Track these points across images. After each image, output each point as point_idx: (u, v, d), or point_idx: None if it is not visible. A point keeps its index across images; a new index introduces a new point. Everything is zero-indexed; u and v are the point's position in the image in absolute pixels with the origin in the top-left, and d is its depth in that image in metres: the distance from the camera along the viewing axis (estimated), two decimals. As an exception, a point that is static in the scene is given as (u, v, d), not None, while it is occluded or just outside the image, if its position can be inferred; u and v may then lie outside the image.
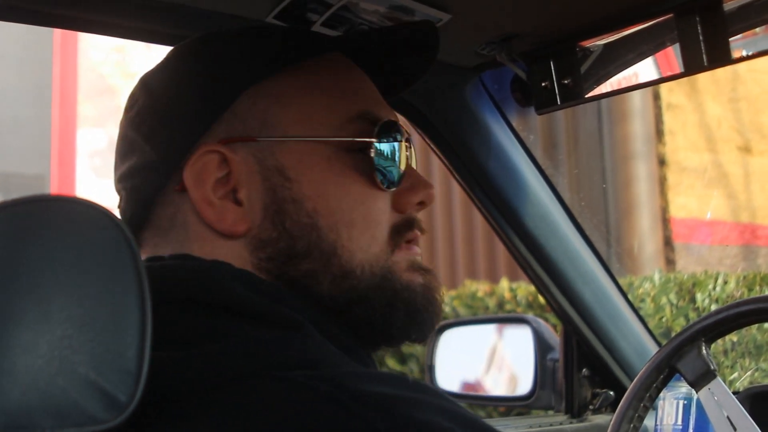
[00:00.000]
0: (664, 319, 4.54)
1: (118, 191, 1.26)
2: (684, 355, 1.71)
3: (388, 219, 1.24)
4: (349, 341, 1.15)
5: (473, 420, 1.03)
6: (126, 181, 1.23)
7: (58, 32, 8.85)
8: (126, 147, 1.24)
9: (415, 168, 1.30)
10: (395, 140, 1.25)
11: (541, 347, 2.36)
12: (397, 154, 1.25)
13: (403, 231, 1.26)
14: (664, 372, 1.74)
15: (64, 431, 0.81)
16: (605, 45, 1.62)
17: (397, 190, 1.25)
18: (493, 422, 2.38)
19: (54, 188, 9.16)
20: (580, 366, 2.29)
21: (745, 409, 1.65)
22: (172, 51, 1.29)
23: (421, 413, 0.99)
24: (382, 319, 1.21)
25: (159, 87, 1.24)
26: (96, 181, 8.96)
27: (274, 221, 1.19)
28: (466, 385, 2.71)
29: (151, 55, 7.88)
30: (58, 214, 0.86)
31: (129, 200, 1.23)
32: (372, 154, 1.22)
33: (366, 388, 0.99)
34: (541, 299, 4.82)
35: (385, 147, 1.24)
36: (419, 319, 1.25)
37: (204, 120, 1.20)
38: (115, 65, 9.01)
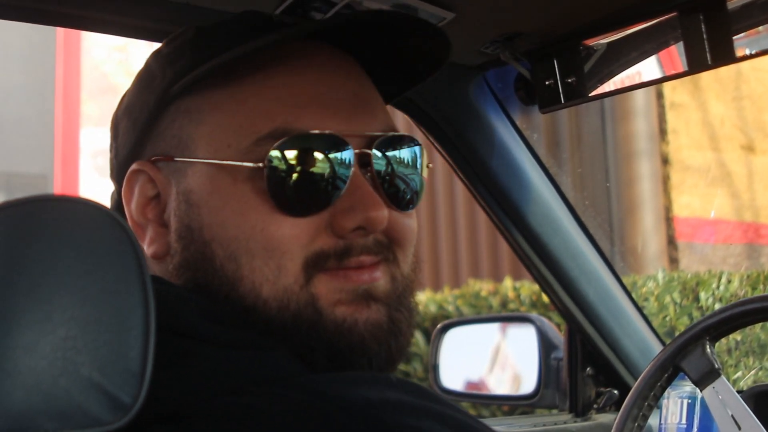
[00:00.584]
0: (667, 318, 4.54)
1: None
2: (688, 354, 1.71)
3: (303, 246, 1.11)
4: (319, 358, 1.09)
5: (464, 423, 0.98)
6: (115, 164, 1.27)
7: (60, 31, 8.86)
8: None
9: (368, 185, 1.14)
10: (314, 156, 1.12)
11: (545, 346, 2.35)
12: (311, 173, 1.11)
13: (333, 258, 1.12)
14: (668, 371, 1.74)
15: (67, 432, 0.81)
16: (609, 44, 1.62)
17: (333, 212, 1.12)
18: (497, 421, 2.38)
19: (57, 188, 9.17)
20: (584, 365, 2.29)
21: (749, 407, 1.65)
22: None
23: (411, 419, 0.95)
24: (304, 360, 1.10)
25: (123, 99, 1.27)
26: (99, 181, 8.96)
27: (182, 247, 1.14)
28: (470, 384, 2.71)
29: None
30: (61, 215, 0.86)
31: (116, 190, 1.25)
32: (273, 176, 1.11)
33: (349, 395, 0.95)
34: (544, 298, 4.82)
35: (296, 166, 1.11)
36: (351, 359, 1.11)
37: (133, 138, 1.19)
38: (118, 64, 9.02)
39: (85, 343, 0.82)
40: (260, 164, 1.10)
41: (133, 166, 1.16)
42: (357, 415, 0.93)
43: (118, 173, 1.22)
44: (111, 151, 1.24)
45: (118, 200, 1.21)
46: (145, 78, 1.20)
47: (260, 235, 1.10)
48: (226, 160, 1.11)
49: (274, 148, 1.10)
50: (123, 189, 1.17)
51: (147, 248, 1.15)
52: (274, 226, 1.10)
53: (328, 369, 1.10)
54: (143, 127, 1.17)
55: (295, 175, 1.10)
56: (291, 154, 1.10)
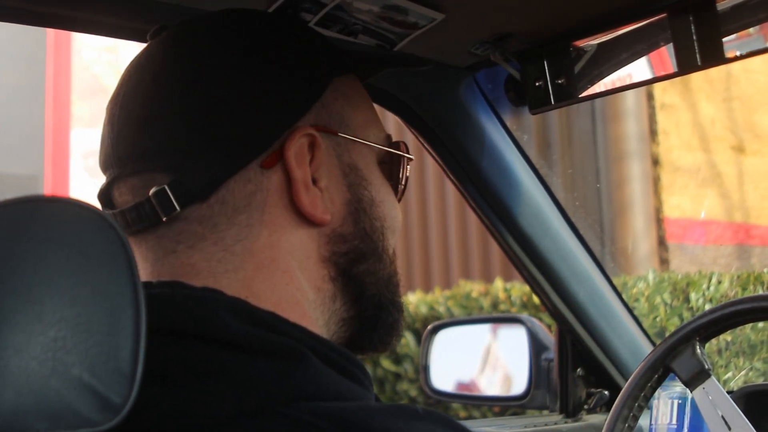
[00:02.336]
0: (658, 319, 4.54)
1: (154, 161, 1.14)
2: (678, 355, 1.71)
3: None
4: (349, 365, 1.09)
5: None
6: (180, 152, 1.12)
7: (51, 32, 8.85)
8: (169, 116, 1.14)
9: None
10: (410, 159, 1.31)
11: (536, 347, 2.36)
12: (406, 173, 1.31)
13: None
14: (658, 371, 1.74)
15: (57, 433, 0.81)
16: (599, 45, 1.62)
17: None
18: (488, 422, 2.38)
19: (47, 189, 9.16)
20: (575, 366, 2.29)
21: (739, 408, 1.65)
22: (217, 21, 1.24)
23: None
24: (393, 324, 1.25)
25: (234, 58, 1.17)
26: (90, 182, 8.96)
27: (355, 218, 1.19)
28: (461, 385, 2.71)
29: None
30: (52, 215, 0.86)
31: (189, 172, 1.12)
32: (405, 170, 1.29)
33: (376, 426, 0.97)
34: (535, 299, 4.83)
35: (407, 165, 1.30)
36: (403, 325, 1.29)
37: (304, 102, 1.18)
38: (108, 65, 9.02)
39: (75, 343, 0.82)
40: (406, 155, 1.29)
41: (304, 130, 1.15)
42: None
43: (239, 143, 1.14)
44: (184, 128, 1.13)
45: (193, 176, 1.12)
46: (285, 50, 1.21)
47: (398, 217, 1.27)
48: (382, 145, 1.26)
49: (395, 145, 1.28)
50: (289, 152, 1.14)
51: (311, 210, 1.15)
52: (398, 208, 1.28)
53: (398, 334, 1.25)
54: (308, 96, 1.18)
55: (406, 169, 1.30)
56: (402, 154, 1.29)
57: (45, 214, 0.86)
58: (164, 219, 1.11)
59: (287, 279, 1.13)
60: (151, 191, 1.11)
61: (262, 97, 1.15)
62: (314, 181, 1.16)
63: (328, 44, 1.26)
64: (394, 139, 1.30)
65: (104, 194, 1.19)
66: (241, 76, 1.15)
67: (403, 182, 1.29)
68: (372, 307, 1.21)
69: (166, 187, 1.11)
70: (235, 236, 1.12)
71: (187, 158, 1.12)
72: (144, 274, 1.14)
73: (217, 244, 1.12)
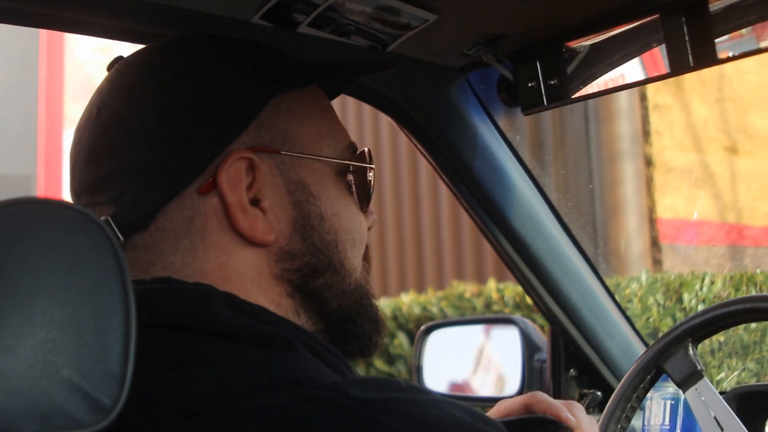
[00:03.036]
0: (651, 320, 4.55)
1: (98, 195, 1.16)
2: (671, 356, 1.71)
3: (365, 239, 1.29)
4: (335, 359, 1.12)
5: (476, 412, 1.05)
6: (118, 185, 1.14)
7: (44, 33, 8.83)
8: (108, 150, 1.17)
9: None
10: (371, 168, 1.32)
11: (529, 348, 2.35)
12: (371, 178, 1.31)
13: (367, 252, 1.31)
14: (651, 372, 1.74)
15: (47, 435, 0.81)
16: (591, 45, 1.62)
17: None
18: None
19: (40, 190, 9.15)
20: (568, 366, 2.29)
21: (732, 409, 1.65)
22: (157, 51, 1.25)
23: (434, 410, 1.01)
24: (365, 335, 1.26)
25: (164, 86, 1.18)
26: (82, 182, 8.94)
27: (302, 235, 1.19)
28: (454, 386, 2.71)
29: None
30: (43, 217, 0.86)
31: (127, 204, 1.14)
32: (368, 179, 1.29)
33: (374, 395, 1.00)
34: (528, 300, 4.83)
35: (368, 174, 1.30)
36: (382, 333, 1.30)
37: (235, 125, 1.17)
38: (101, 66, 9.02)
39: (65, 345, 0.82)
40: (365, 164, 1.29)
41: (238, 153, 1.15)
42: (385, 410, 0.98)
43: (173, 170, 1.14)
44: (125, 155, 1.16)
45: (133, 203, 1.14)
46: (230, 71, 1.21)
47: (359, 228, 1.26)
48: (334, 158, 1.25)
49: (358, 154, 1.28)
50: (222, 177, 1.14)
51: (251, 232, 1.15)
52: (361, 220, 1.27)
53: (377, 340, 1.27)
54: (240, 118, 1.17)
55: (368, 178, 1.29)
56: (365, 161, 1.29)
57: (35, 216, 0.86)
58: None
59: (244, 295, 1.13)
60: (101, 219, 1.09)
61: (191, 124, 1.15)
62: (257, 202, 1.17)
63: (275, 61, 1.25)
64: (364, 145, 1.31)
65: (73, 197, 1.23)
66: (170, 104, 1.16)
67: (364, 192, 1.29)
68: (337, 320, 1.23)
69: (109, 219, 1.13)
70: (182, 260, 1.14)
71: (123, 191, 1.14)
72: None
73: (167, 268, 1.14)
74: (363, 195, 1.28)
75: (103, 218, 1.11)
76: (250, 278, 1.16)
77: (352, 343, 1.25)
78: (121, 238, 1.12)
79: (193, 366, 1.02)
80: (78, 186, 1.19)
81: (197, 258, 1.14)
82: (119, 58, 1.27)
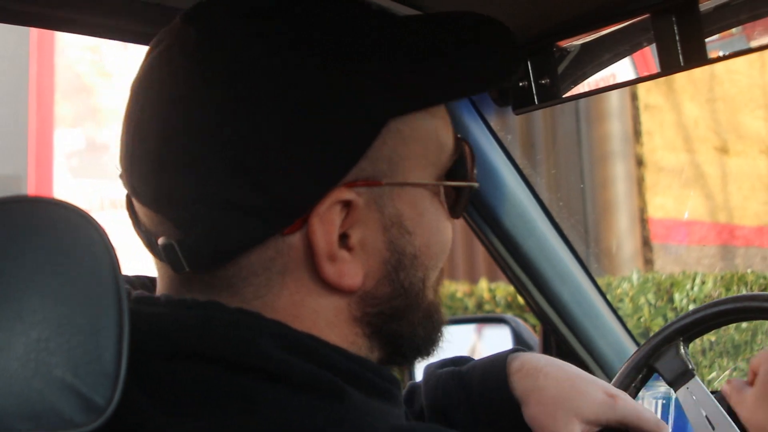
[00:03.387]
0: (642, 319, 4.56)
1: (165, 207, 0.99)
2: (662, 355, 1.71)
3: None
4: (385, 384, 1.02)
5: None
6: (194, 209, 0.97)
7: (34, 31, 8.82)
8: (187, 161, 0.97)
9: None
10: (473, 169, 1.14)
11: (520, 347, 2.36)
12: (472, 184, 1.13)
13: None
14: (642, 372, 1.74)
15: (40, 435, 0.81)
16: (582, 45, 1.62)
17: None
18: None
19: (31, 189, 9.14)
20: (559, 366, 2.29)
21: (723, 408, 1.65)
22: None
23: None
24: (430, 351, 1.12)
25: (259, 116, 0.96)
26: (73, 182, 8.94)
27: (392, 278, 1.04)
28: (445, 386, 2.71)
29: (127, 54, 7.87)
30: (35, 216, 0.86)
31: (202, 236, 0.98)
32: (468, 185, 1.11)
33: None
34: (520, 299, 4.83)
35: (468, 177, 1.12)
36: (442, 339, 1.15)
37: (346, 162, 0.98)
38: (92, 64, 9.00)
39: (57, 344, 0.81)
40: (468, 183, 1.10)
41: (338, 193, 0.98)
42: None
43: (264, 213, 0.97)
44: (210, 181, 0.96)
45: (213, 237, 0.97)
46: (339, 98, 0.98)
47: (447, 241, 1.09)
48: (434, 179, 1.06)
49: (460, 158, 1.09)
50: (315, 221, 0.97)
51: (337, 281, 0.99)
52: (449, 230, 1.09)
53: (398, 387, 1.07)
54: (352, 154, 0.99)
55: (465, 186, 1.10)
56: (469, 165, 1.11)
57: (28, 214, 0.85)
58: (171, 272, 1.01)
59: (316, 333, 1.00)
60: (160, 241, 1.00)
61: (294, 161, 0.96)
62: (346, 237, 1.00)
63: (391, 67, 1.01)
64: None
65: (129, 198, 1.06)
66: (271, 131, 0.96)
67: (461, 199, 1.10)
68: (409, 349, 1.10)
69: (175, 245, 0.99)
70: (253, 293, 1.00)
71: (198, 218, 0.97)
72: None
73: (233, 296, 1.00)
74: (460, 203, 1.10)
75: (165, 241, 0.99)
76: (326, 319, 1.02)
77: (410, 352, 1.11)
78: (186, 267, 0.99)
79: (233, 412, 0.92)
80: (139, 182, 1.01)
81: (270, 293, 1.00)
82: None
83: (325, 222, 0.98)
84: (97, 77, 8.72)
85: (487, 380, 1.28)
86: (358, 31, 1.02)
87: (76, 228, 0.86)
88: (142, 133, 1.00)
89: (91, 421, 0.82)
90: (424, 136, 1.04)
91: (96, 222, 0.88)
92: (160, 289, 1.06)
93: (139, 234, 1.05)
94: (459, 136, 1.11)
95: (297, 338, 0.97)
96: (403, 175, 1.02)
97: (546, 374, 1.30)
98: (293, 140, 0.96)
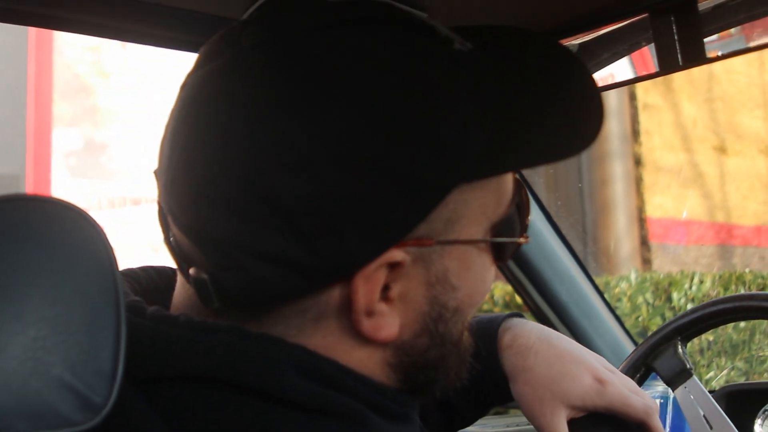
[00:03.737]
0: (640, 319, 4.56)
1: (198, 244, 0.93)
2: (660, 354, 1.72)
3: None
4: (405, 409, 1.01)
5: None
6: (232, 254, 0.90)
7: (33, 30, 8.81)
8: (232, 200, 0.89)
9: None
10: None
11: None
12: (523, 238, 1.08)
13: None
14: (640, 371, 1.74)
15: (38, 433, 0.80)
16: (581, 44, 1.62)
17: None
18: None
19: (29, 188, 9.13)
20: (557, 365, 2.29)
21: (721, 407, 1.66)
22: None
23: None
24: (454, 382, 1.05)
25: (326, 175, 0.87)
26: (71, 181, 8.93)
27: (431, 330, 0.98)
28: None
29: (126, 54, 7.87)
30: (34, 214, 0.85)
31: (240, 283, 0.90)
32: (516, 249, 1.06)
33: None
34: (518, 299, 4.83)
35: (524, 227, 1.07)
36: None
37: (401, 229, 0.90)
38: (91, 64, 9.00)
39: (55, 343, 0.81)
40: (518, 240, 1.04)
41: (389, 255, 0.90)
42: None
43: (307, 271, 0.89)
44: (266, 227, 0.88)
45: (254, 285, 0.91)
46: (410, 161, 0.88)
47: (488, 288, 1.03)
48: (487, 233, 0.99)
49: (512, 212, 1.02)
50: (360, 281, 0.91)
51: (373, 335, 0.93)
52: (492, 276, 1.03)
53: (415, 410, 1.05)
54: (410, 223, 0.91)
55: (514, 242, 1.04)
56: (520, 220, 1.04)
57: (26, 213, 0.85)
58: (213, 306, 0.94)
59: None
60: (192, 271, 0.94)
61: (343, 225, 0.88)
62: (386, 289, 0.93)
63: (458, 136, 0.91)
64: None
65: (164, 218, 1.00)
66: (323, 188, 0.87)
67: (508, 250, 1.04)
68: (438, 390, 1.04)
69: (207, 280, 0.93)
70: (283, 331, 0.94)
71: (232, 266, 0.91)
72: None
73: (260, 329, 0.93)
74: (507, 254, 1.04)
75: (196, 274, 0.93)
76: (359, 360, 0.97)
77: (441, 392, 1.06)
78: (216, 304, 0.93)
79: None
80: (177, 202, 0.94)
81: (301, 333, 0.94)
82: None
83: (371, 280, 0.91)
84: (95, 77, 8.72)
85: (477, 353, 1.21)
86: (433, 84, 0.92)
87: (74, 226, 0.86)
88: (188, 158, 0.92)
89: (89, 419, 0.82)
90: (487, 194, 0.97)
91: (94, 220, 0.87)
92: (179, 302, 1.01)
93: (169, 249, 0.99)
94: (518, 177, 1.05)
95: (319, 366, 0.93)
96: (457, 233, 0.95)
97: (536, 352, 1.26)
98: (352, 199, 0.87)
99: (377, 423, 0.94)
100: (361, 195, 0.87)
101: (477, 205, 0.95)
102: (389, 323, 0.94)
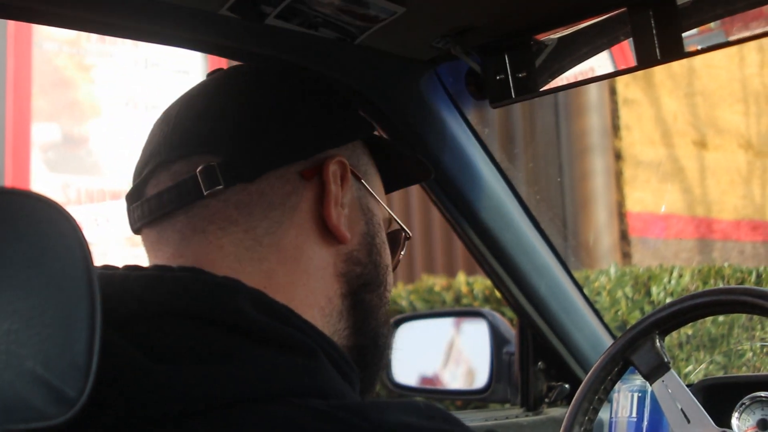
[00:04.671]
0: (619, 313, 4.57)
1: (205, 146, 1.22)
2: (638, 348, 1.72)
3: None
4: (348, 370, 1.14)
5: None
6: (234, 139, 1.22)
7: (11, 24, 8.78)
8: (228, 111, 1.25)
9: None
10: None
11: (497, 341, 2.36)
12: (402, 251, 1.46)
13: None
14: (618, 365, 1.75)
15: (10, 427, 0.80)
16: (560, 39, 1.62)
17: None
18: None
19: (8, 182, 9.10)
20: (536, 359, 2.30)
21: (698, 401, 1.66)
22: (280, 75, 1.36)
23: None
24: (373, 375, 1.31)
25: (293, 87, 1.32)
26: (51, 176, 8.90)
27: (368, 250, 1.28)
28: (424, 379, 2.71)
29: (106, 48, 7.83)
30: (8, 207, 0.85)
31: (239, 155, 1.21)
32: (403, 247, 1.43)
33: (389, 419, 1.00)
34: (497, 293, 4.84)
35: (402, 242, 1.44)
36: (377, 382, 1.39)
37: (345, 135, 1.30)
38: (70, 58, 8.96)
39: (28, 336, 0.81)
40: (408, 233, 1.44)
41: (340, 158, 1.26)
42: None
43: (296, 146, 1.25)
44: (247, 122, 1.25)
45: (243, 162, 1.21)
46: (332, 96, 1.36)
47: (390, 276, 1.34)
48: (387, 214, 1.36)
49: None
50: (332, 167, 1.24)
51: (336, 226, 1.23)
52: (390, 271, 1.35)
53: (357, 377, 1.20)
54: (349, 132, 1.32)
55: (403, 247, 1.44)
56: (405, 230, 1.43)
57: (2, 206, 0.85)
58: (205, 193, 1.18)
59: (305, 279, 1.20)
60: (199, 168, 1.18)
61: (311, 118, 1.27)
62: (342, 206, 1.25)
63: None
64: None
65: (137, 188, 1.24)
66: (295, 98, 1.28)
67: (399, 257, 1.41)
68: (370, 341, 1.28)
69: (216, 165, 1.18)
70: (266, 228, 1.19)
71: (239, 145, 1.21)
72: (164, 257, 1.20)
73: (248, 232, 1.19)
74: (394, 255, 1.39)
75: (205, 165, 1.19)
76: (317, 267, 1.22)
77: (367, 371, 1.28)
78: (222, 183, 1.18)
79: (213, 362, 1.02)
80: (180, 139, 1.23)
81: (280, 230, 1.20)
82: (217, 70, 1.36)
83: (334, 172, 1.24)
84: (75, 71, 8.68)
85: None
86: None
87: (49, 220, 0.86)
88: (189, 103, 1.27)
89: (62, 413, 0.82)
90: (379, 182, 1.36)
91: (69, 214, 0.87)
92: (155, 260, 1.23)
93: (142, 215, 1.23)
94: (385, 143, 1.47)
95: (274, 305, 1.11)
96: (374, 190, 1.32)
97: None
98: (312, 110, 1.29)
99: (326, 363, 1.07)
100: (319, 109, 1.30)
101: (378, 185, 1.34)
102: (346, 224, 1.24)
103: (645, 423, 1.82)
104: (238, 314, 1.06)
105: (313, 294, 1.21)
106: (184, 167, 1.20)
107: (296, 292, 1.19)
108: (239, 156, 1.20)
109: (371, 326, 1.28)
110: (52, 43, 9.16)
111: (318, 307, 1.21)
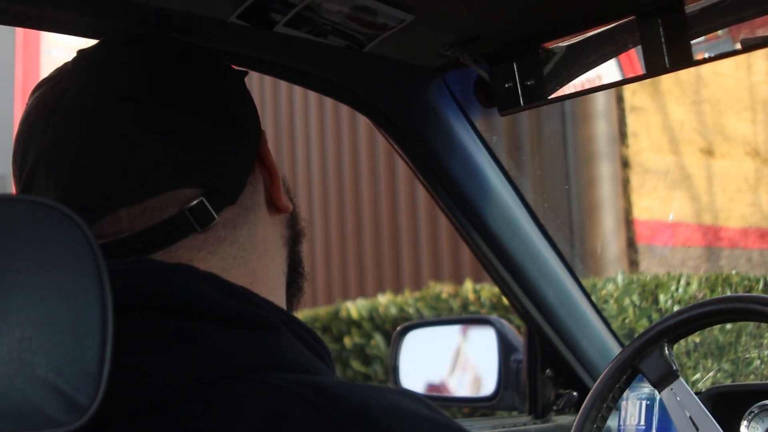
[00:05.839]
0: (627, 320, 4.56)
1: (184, 177, 1.16)
2: (646, 356, 1.72)
3: None
4: (314, 343, 1.13)
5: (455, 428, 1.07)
6: (210, 166, 1.17)
7: (20, 32, 8.79)
8: (167, 141, 1.16)
9: None
10: None
11: (505, 348, 2.36)
12: None
13: None
14: (626, 372, 1.74)
15: (22, 434, 0.80)
16: (568, 46, 1.63)
17: None
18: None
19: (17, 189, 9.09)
20: (544, 367, 2.30)
21: (707, 409, 1.66)
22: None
23: (403, 424, 1.00)
24: (300, 291, 1.38)
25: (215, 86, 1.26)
26: (59, 182, 8.89)
27: (292, 203, 1.30)
28: (431, 387, 2.71)
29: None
30: (20, 215, 0.85)
31: (222, 180, 1.18)
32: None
33: (346, 395, 1.00)
34: (505, 300, 4.84)
35: None
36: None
37: (257, 124, 1.29)
38: (78, 65, 8.97)
39: (41, 344, 0.81)
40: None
41: (263, 134, 1.29)
42: (351, 413, 0.98)
43: (246, 151, 1.24)
44: (191, 140, 1.18)
45: (228, 180, 1.20)
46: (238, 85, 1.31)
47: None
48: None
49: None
50: (267, 156, 1.27)
51: (284, 203, 1.27)
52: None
53: (326, 350, 1.19)
54: (257, 115, 1.31)
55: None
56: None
57: (13, 214, 0.85)
58: (200, 231, 1.16)
59: (276, 263, 1.26)
60: (188, 206, 1.15)
61: (242, 114, 1.25)
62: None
63: None
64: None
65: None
66: (223, 99, 1.25)
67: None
68: (298, 278, 1.33)
69: (203, 199, 1.16)
70: (247, 233, 1.21)
71: (215, 170, 1.18)
72: None
73: (234, 243, 1.20)
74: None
75: (194, 202, 1.15)
76: (277, 245, 1.28)
77: (295, 292, 1.34)
78: (215, 216, 1.16)
79: (173, 347, 1.02)
80: (114, 185, 1.14)
81: (255, 229, 1.23)
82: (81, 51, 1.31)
83: (269, 154, 1.27)
84: (82, 77, 8.68)
85: None
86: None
87: (60, 227, 0.86)
88: (88, 139, 1.16)
89: (74, 420, 0.82)
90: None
91: (80, 221, 0.87)
92: None
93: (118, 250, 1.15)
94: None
95: (231, 285, 1.11)
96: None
97: None
98: (235, 106, 1.25)
99: (288, 336, 1.07)
100: (237, 102, 1.26)
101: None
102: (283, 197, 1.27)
103: (653, 431, 1.81)
104: (195, 297, 1.06)
105: (283, 272, 1.28)
106: (156, 204, 1.14)
107: (273, 278, 1.25)
108: (221, 180, 1.18)
109: (300, 268, 1.34)
110: (60, 51, 9.18)
111: (284, 282, 1.28)
